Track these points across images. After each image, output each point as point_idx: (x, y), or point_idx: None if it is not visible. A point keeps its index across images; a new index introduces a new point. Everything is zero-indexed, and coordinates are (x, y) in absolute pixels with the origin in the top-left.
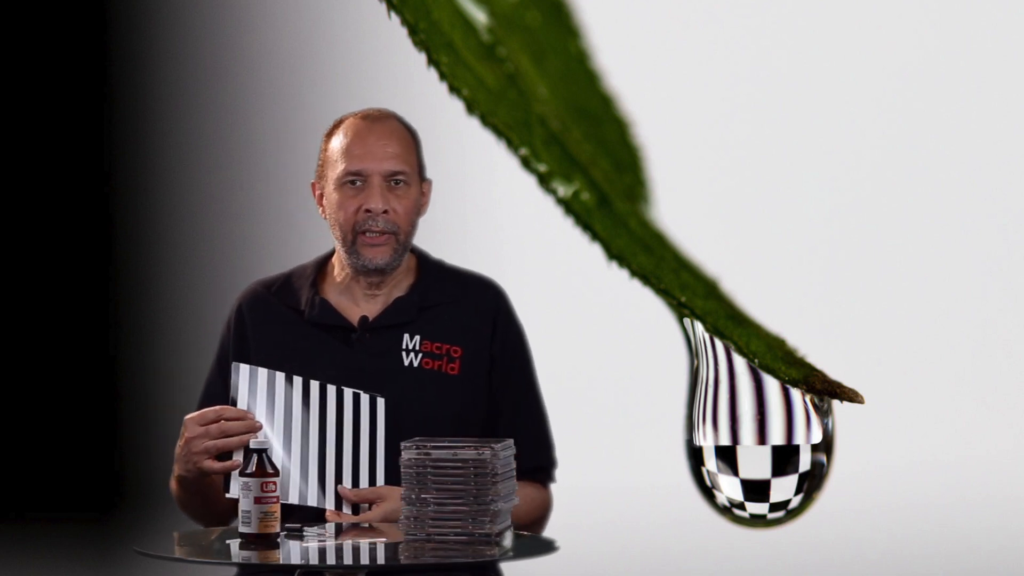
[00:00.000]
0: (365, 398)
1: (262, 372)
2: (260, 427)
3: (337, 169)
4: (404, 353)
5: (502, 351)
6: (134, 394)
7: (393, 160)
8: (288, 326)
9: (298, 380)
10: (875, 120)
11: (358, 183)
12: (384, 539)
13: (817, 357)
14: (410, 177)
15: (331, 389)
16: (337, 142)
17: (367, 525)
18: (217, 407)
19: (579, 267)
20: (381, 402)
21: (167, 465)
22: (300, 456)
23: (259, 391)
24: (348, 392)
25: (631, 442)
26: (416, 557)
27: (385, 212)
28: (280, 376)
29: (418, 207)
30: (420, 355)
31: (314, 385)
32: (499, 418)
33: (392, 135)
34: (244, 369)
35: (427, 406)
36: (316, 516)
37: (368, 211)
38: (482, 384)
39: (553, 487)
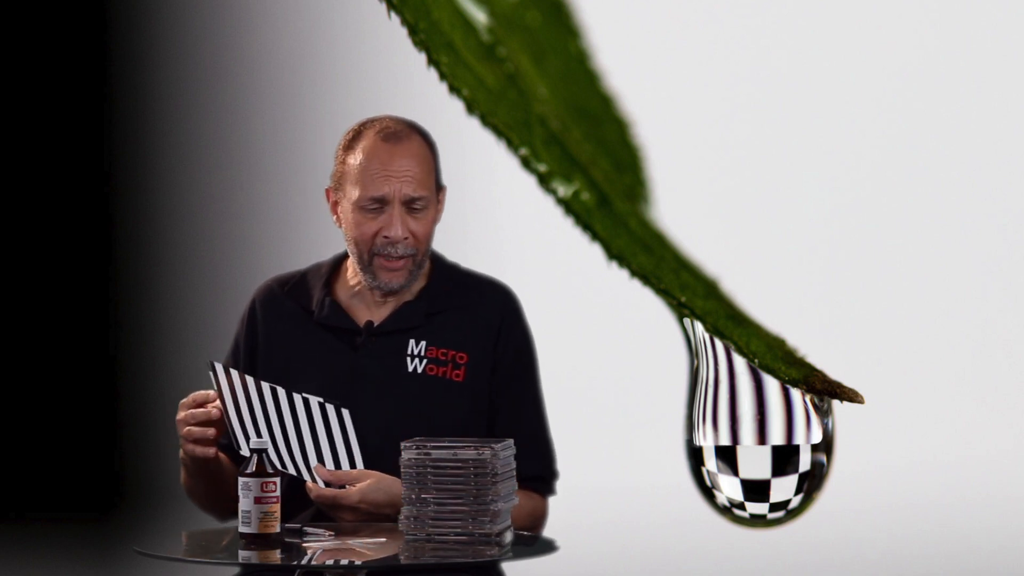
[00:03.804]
0: (331, 408)
1: (234, 373)
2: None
3: (356, 190)
4: (409, 359)
5: (504, 354)
6: (134, 394)
7: (413, 185)
8: (297, 325)
9: (266, 386)
10: (875, 120)
11: (376, 206)
12: (384, 539)
13: (817, 357)
14: (429, 199)
15: (298, 398)
16: (356, 160)
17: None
18: (194, 393)
19: (579, 267)
20: (346, 413)
21: (167, 465)
22: (285, 445)
23: (237, 390)
24: (314, 401)
25: (631, 442)
26: (416, 557)
27: (405, 238)
28: (250, 380)
29: (434, 224)
30: (425, 361)
31: (281, 393)
32: (497, 422)
33: (413, 157)
34: (220, 369)
35: (429, 412)
36: (316, 515)
37: (387, 237)
38: (487, 391)
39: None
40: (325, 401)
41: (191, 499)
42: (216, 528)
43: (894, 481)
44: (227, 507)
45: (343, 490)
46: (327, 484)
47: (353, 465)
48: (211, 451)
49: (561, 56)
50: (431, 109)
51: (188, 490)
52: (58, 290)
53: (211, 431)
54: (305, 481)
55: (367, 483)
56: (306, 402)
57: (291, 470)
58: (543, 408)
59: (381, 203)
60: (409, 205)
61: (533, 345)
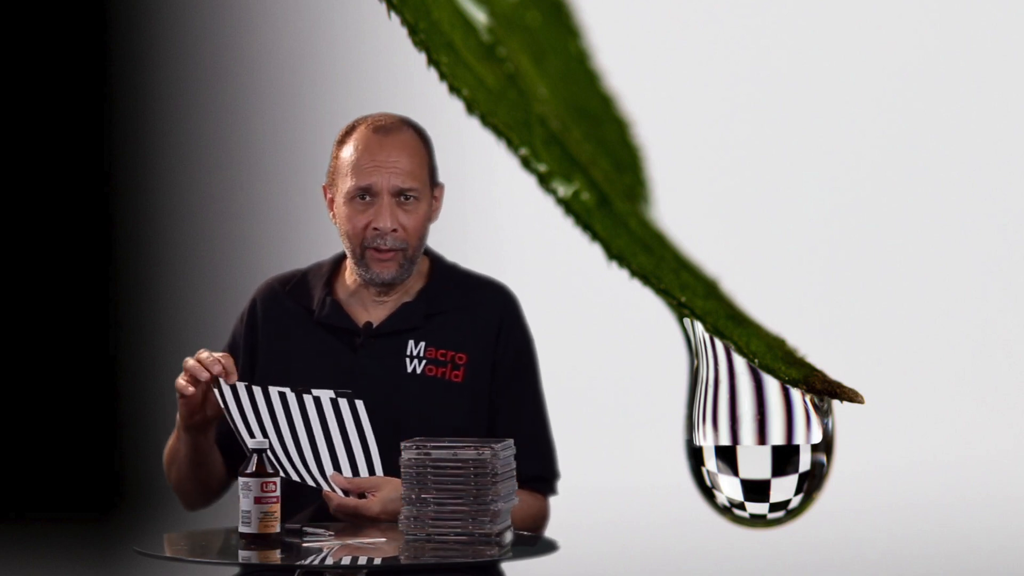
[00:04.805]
0: (343, 401)
1: (240, 387)
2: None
3: (347, 182)
4: (408, 359)
5: (504, 354)
6: (134, 394)
7: (403, 176)
8: (297, 325)
9: (274, 390)
10: (875, 120)
11: (367, 198)
12: (384, 539)
13: (817, 357)
14: (420, 192)
15: (308, 399)
16: (347, 153)
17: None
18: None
19: (579, 267)
20: (360, 403)
21: None
22: (297, 453)
23: (244, 405)
24: (325, 397)
25: (631, 442)
26: (416, 557)
27: (394, 231)
28: (257, 390)
29: (428, 218)
30: (424, 362)
31: (291, 396)
32: (497, 422)
33: (403, 149)
34: (225, 387)
35: (429, 413)
36: (316, 515)
37: (376, 229)
38: (486, 391)
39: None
40: (337, 395)
41: (168, 472)
42: (216, 528)
43: (894, 481)
44: (199, 491)
45: (364, 500)
46: (345, 492)
47: (370, 459)
48: (190, 389)
49: (561, 56)
50: (431, 109)
51: (169, 457)
52: (58, 290)
53: (205, 374)
54: (321, 488)
55: (386, 492)
56: (317, 401)
57: (308, 481)
58: (544, 408)
59: (370, 194)
60: (399, 197)
61: (533, 345)
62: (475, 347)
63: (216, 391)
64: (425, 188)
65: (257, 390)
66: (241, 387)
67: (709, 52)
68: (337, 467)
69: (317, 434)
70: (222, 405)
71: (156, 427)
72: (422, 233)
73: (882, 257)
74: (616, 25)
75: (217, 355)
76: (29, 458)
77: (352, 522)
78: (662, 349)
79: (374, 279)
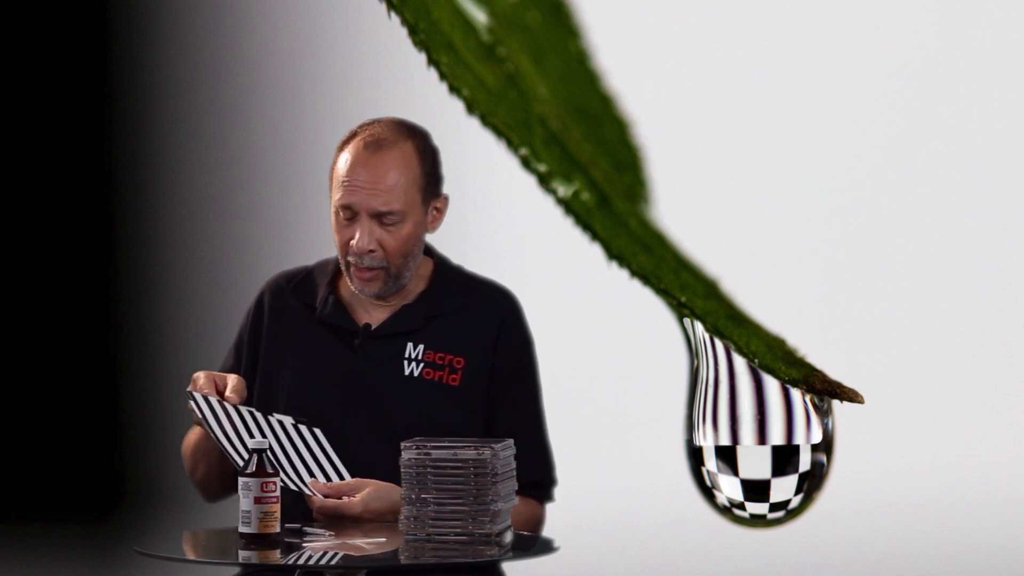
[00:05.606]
0: (304, 428)
1: (213, 400)
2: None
3: (336, 195)
4: (406, 362)
5: (503, 358)
6: (134, 394)
7: (384, 197)
8: (299, 322)
9: (244, 410)
10: (875, 120)
11: (349, 214)
12: (384, 539)
13: (817, 357)
14: (403, 213)
15: (273, 421)
16: (341, 163)
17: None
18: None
19: (579, 267)
20: (319, 431)
21: (167, 465)
22: (273, 459)
23: (220, 417)
24: (287, 422)
25: (631, 442)
26: (416, 557)
27: (372, 251)
28: (228, 405)
29: (414, 234)
30: (422, 365)
31: (259, 416)
32: (495, 424)
33: (391, 168)
34: (199, 398)
35: (425, 417)
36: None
37: (355, 248)
38: (485, 394)
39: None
40: (296, 422)
41: (193, 468)
42: (216, 528)
43: (894, 481)
44: (224, 483)
45: (345, 501)
46: (325, 496)
47: (341, 478)
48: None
49: (561, 56)
50: (431, 109)
51: (193, 455)
52: (58, 290)
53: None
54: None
55: (367, 492)
56: (281, 424)
57: (290, 485)
58: (542, 414)
59: (351, 211)
60: (379, 219)
61: (533, 350)
62: (474, 350)
63: (192, 403)
64: (412, 206)
65: (229, 405)
66: (214, 400)
67: (709, 52)
68: (312, 476)
69: (289, 451)
70: (199, 415)
71: (156, 427)
72: (405, 251)
73: (882, 257)
74: (616, 25)
75: (231, 382)
76: (29, 458)
77: (339, 524)
78: (662, 349)
79: (359, 294)
